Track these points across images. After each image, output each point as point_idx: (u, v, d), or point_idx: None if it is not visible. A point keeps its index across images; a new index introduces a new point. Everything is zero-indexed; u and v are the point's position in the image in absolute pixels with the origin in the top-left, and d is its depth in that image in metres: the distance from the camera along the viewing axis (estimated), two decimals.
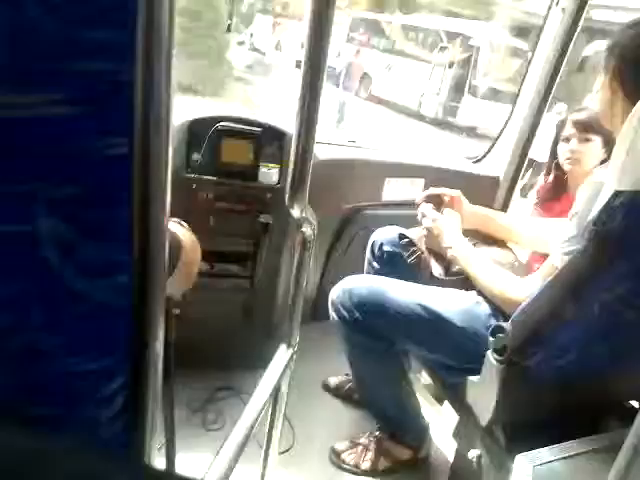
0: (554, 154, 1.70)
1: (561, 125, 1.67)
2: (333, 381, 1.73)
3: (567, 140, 1.62)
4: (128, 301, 0.42)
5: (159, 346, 0.46)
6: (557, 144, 1.68)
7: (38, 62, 0.33)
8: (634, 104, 0.85)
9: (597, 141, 1.57)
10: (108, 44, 0.35)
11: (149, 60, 0.36)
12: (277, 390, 0.91)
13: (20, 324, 0.38)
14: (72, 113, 0.35)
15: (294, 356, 0.95)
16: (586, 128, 1.55)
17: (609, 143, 1.49)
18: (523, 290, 1.12)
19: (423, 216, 1.39)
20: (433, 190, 1.45)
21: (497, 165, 2.06)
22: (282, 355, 0.92)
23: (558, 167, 1.68)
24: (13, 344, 0.38)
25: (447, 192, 1.46)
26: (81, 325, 0.42)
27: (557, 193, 1.71)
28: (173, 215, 0.44)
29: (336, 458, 1.48)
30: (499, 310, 1.21)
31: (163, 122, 0.38)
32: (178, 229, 0.69)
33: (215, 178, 1.51)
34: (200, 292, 1.25)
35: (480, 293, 1.26)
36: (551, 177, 1.72)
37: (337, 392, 1.72)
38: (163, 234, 0.42)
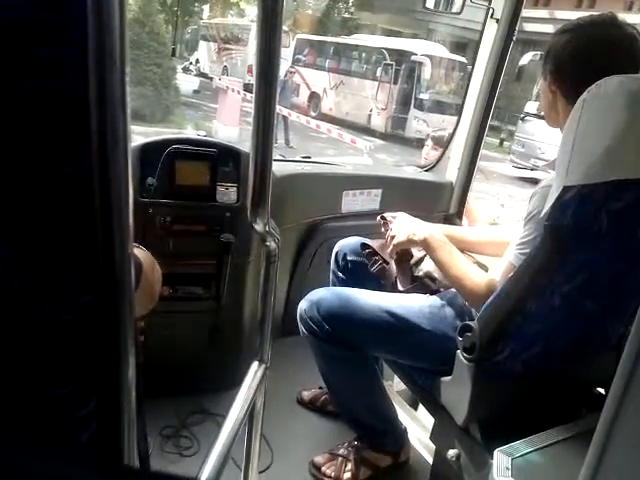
0: None
1: None
2: (307, 394, 1.71)
3: None
4: (95, 325, 0.41)
5: (131, 371, 0.45)
6: None
7: None
8: (573, 103, 0.90)
9: None
10: (60, 62, 0.35)
11: (102, 77, 0.35)
12: (252, 408, 0.89)
13: None
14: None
15: (267, 372, 0.93)
16: None
17: None
18: (489, 286, 1.14)
19: (385, 224, 1.39)
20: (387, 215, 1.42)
21: (450, 171, 2.13)
22: (255, 372, 0.91)
23: None
24: None
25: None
26: (47, 349, 0.40)
27: None
28: None
29: (316, 472, 1.46)
30: (464, 311, 1.24)
31: (121, 141, 0.37)
32: (135, 250, 0.68)
33: (171, 201, 1.49)
34: (165, 316, 1.23)
35: (444, 297, 1.29)
36: None
37: (312, 405, 1.70)
38: (128, 256, 0.41)
